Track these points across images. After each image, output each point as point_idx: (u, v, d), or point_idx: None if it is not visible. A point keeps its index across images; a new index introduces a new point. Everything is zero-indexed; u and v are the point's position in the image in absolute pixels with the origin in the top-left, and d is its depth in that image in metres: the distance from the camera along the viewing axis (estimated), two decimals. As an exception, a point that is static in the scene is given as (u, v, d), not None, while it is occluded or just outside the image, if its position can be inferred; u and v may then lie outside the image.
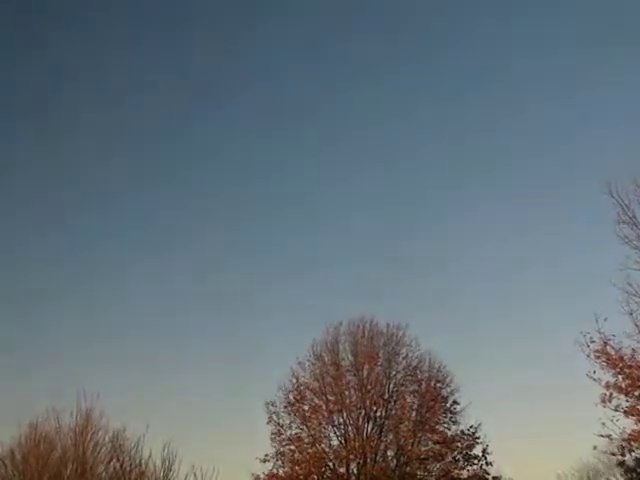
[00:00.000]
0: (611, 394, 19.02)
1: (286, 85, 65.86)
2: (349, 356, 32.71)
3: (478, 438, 31.83)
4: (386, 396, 31.83)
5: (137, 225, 62.57)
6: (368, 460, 30.85)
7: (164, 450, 29.11)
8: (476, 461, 31.63)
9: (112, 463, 29.91)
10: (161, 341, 54.59)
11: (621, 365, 18.73)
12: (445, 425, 32.10)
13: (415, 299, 52.21)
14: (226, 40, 63.85)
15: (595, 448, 21.54)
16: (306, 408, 32.01)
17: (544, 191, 60.24)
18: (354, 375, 32.19)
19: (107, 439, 30.25)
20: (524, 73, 61.22)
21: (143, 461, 29.28)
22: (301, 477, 30.64)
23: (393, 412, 31.61)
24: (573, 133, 60.27)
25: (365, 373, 31.95)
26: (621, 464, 22.49)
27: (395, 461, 31.62)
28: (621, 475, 27.95)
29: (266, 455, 31.34)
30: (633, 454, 21.34)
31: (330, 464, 31.30)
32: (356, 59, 64.07)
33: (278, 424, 31.85)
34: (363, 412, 31.50)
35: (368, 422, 31.53)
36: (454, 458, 31.51)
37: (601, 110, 59.72)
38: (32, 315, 54.45)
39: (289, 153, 65.14)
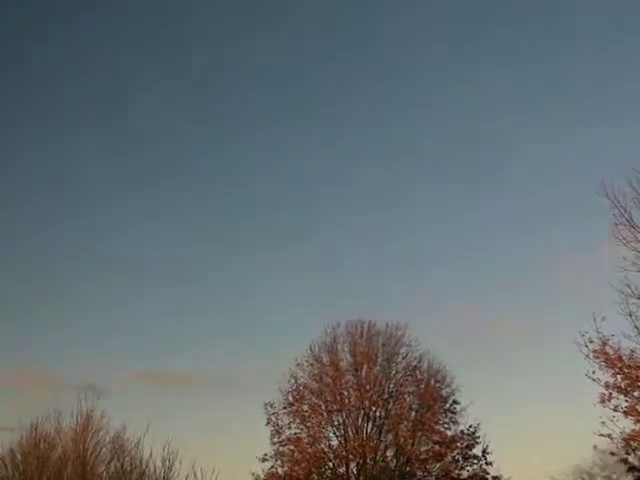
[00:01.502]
0: (610, 394, 19.02)
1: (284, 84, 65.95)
2: (347, 356, 32.81)
3: (478, 438, 31.94)
4: (385, 396, 31.90)
5: (136, 227, 62.45)
6: (368, 460, 30.93)
7: (164, 450, 29.16)
8: (476, 461, 31.71)
9: (113, 463, 29.91)
10: (161, 340, 54.56)
11: (620, 365, 18.73)
12: (445, 425, 32.18)
13: (415, 298, 52.23)
14: (226, 40, 63.86)
15: (595, 448, 21.54)
16: (305, 408, 32.08)
17: (544, 191, 60.27)
18: (353, 375, 32.26)
19: (108, 439, 30.26)
20: (524, 72, 61.30)
21: (143, 461, 29.34)
22: (301, 477, 30.72)
23: (392, 412, 31.67)
24: (573, 133, 60.32)
25: (364, 373, 32.02)
26: (624, 461, 22.54)
27: (395, 461, 31.70)
28: (622, 474, 28.05)
29: (265, 454, 31.46)
30: (638, 453, 21.37)
31: (330, 464, 31.36)
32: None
33: (277, 425, 31.92)
34: (362, 412, 31.56)
35: (367, 422, 31.60)
36: (454, 458, 31.58)
37: (601, 110, 59.76)
38: (32, 314, 54.52)
39: (290, 153, 65.13)
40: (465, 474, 31.52)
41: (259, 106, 63.66)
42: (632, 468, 24.02)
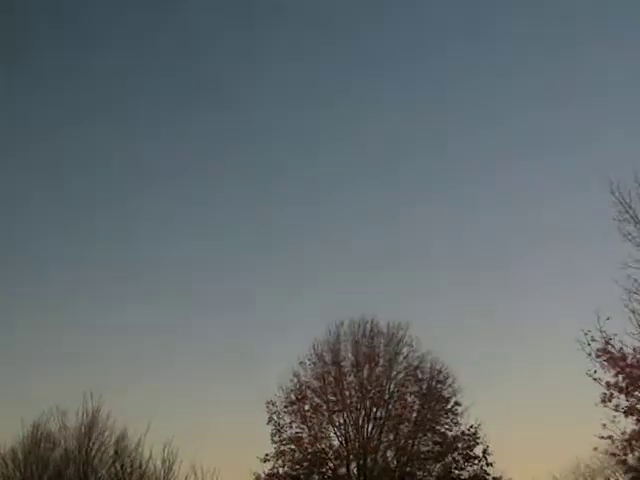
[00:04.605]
0: (611, 394, 18.98)
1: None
2: (350, 356, 32.77)
3: (478, 438, 31.84)
4: (387, 396, 31.85)
5: (137, 231, 62.49)
6: (368, 460, 30.89)
7: (164, 450, 29.21)
8: (476, 462, 31.61)
9: (114, 465, 29.89)
10: (160, 340, 54.57)
11: (622, 364, 18.66)
12: (446, 426, 32.09)
13: (415, 298, 52.26)
14: (224, 40, 63.94)
15: (595, 449, 21.42)
16: (307, 407, 32.04)
17: (545, 189, 60.36)
18: (355, 375, 32.23)
19: (112, 440, 30.15)
20: (523, 72, 61.47)
21: (144, 462, 29.36)
22: (302, 477, 30.72)
23: (393, 412, 31.63)
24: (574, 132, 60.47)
25: (366, 373, 32.00)
26: (623, 462, 22.50)
27: (395, 461, 31.66)
28: (622, 475, 28.03)
29: (266, 455, 31.34)
30: (635, 454, 21.31)
31: (330, 464, 31.33)
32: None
33: (278, 424, 31.87)
34: (363, 412, 31.53)
35: (368, 422, 31.55)
36: (454, 459, 31.51)
37: (601, 108, 59.89)
38: (34, 314, 54.62)
39: (290, 157, 65.28)
40: (466, 475, 31.45)
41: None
42: (630, 469, 24.00)
